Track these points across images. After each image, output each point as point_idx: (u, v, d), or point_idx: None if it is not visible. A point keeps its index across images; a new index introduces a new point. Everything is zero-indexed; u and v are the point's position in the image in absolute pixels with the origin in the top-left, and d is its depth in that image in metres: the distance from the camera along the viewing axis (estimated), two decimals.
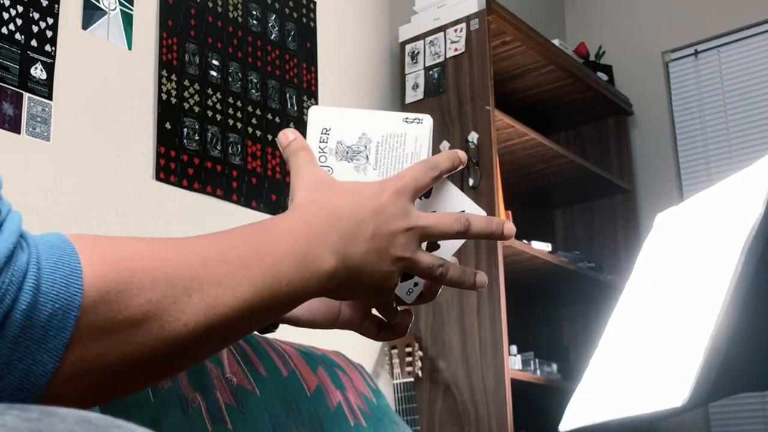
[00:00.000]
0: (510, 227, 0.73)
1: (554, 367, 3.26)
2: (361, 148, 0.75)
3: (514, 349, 3.06)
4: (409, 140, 0.74)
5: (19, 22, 2.08)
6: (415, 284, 0.76)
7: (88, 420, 0.41)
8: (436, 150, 3.05)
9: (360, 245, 0.66)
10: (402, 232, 0.68)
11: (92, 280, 0.52)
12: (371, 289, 0.69)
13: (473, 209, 0.75)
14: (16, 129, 2.03)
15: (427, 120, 0.75)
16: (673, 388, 1.01)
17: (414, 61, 3.21)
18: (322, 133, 0.75)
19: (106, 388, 0.56)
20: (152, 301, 0.55)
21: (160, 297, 0.55)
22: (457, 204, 0.75)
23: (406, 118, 0.75)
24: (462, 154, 0.74)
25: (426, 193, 0.74)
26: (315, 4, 3.01)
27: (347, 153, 0.75)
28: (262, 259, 0.61)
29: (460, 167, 0.74)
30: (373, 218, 0.67)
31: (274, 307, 0.63)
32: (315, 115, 0.76)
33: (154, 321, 0.55)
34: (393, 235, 0.68)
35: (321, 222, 0.66)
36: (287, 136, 0.74)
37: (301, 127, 3.06)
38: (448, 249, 0.75)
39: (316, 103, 2.90)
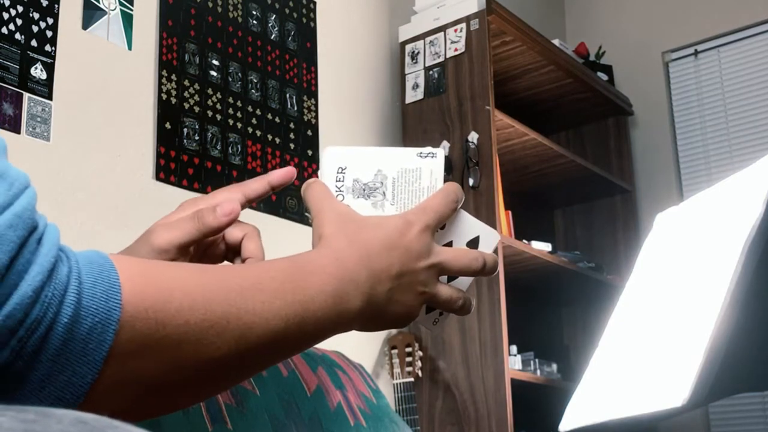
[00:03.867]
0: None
1: (554, 367, 3.26)
2: (378, 184, 0.75)
3: (514, 349, 3.06)
4: (425, 174, 0.75)
5: (19, 22, 2.08)
6: (441, 314, 0.77)
7: (84, 421, 0.41)
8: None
9: (385, 284, 0.68)
10: (425, 269, 0.70)
11: (130, 296, 0.53)
12: (393, 322, 0.71)
13: (486, 232, 0.76)
14: (16, 129, 2.03)
15: (441, 153, 0.76)
16: (673, 388, 1.01)
17: (414, 61, 3.21)
18: (338, 173, 0.76)
19: (140, 404, 0.56)
20: (190, 323, 0.55)
21: (198, 320, 0.56)
22: (471, 231, 0.76)
23: (420, 152, 0.76)
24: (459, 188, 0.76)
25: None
26: (315, 4, 3.01)
27: (364, 190, 0.75)
28: (295, 293, 0.62)
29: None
30: (400, 257, 0.69)
31: (300, 342, 0.64)
32: (329, 156, 0.76)
33: (190, 343, 0.56)
34: (416, 273, 0.69)
35: (353, 259, 0.67)
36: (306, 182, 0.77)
37: (301, 127, 3.04)
38: (466, 280, 0.76)
39: (316, 103, 2.90)
